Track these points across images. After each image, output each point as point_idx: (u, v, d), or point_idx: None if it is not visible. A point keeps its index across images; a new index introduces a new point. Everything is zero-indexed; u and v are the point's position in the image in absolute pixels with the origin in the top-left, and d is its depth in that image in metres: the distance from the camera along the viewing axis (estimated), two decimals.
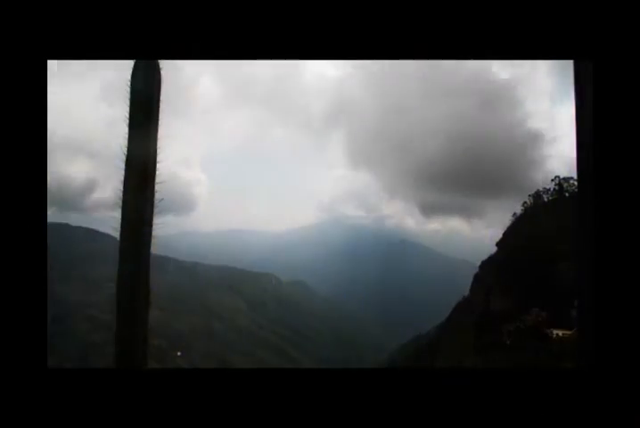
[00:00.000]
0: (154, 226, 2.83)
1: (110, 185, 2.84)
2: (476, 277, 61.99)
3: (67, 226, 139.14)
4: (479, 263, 65.34)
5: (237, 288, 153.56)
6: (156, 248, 2.84)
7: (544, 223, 50.99)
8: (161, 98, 2.80)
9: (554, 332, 32.11)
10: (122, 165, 2.75)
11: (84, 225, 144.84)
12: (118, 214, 2.73)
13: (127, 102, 2.74)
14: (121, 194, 2.75)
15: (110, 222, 2.74)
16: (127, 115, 2.73)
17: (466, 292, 65.57)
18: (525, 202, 65.29)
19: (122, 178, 2.75)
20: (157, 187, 2.84)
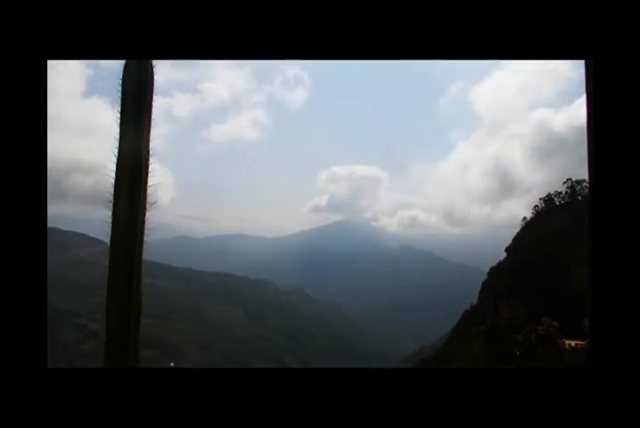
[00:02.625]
0: (146, 231, 2.82)
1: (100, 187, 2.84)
2: (484, 285, 61.90)
3: (56, 230, 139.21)
4: (487, 270, 65.26)
5: (233, 296, 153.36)
6: (148, 253, 2.83)
7: (556, 227, 51.02)
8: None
9: (567, 342, 31.92)
10: (113, 166, 2.75)
11: (74, 229, 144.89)
12: (108, 218, 2.73)
13: (119, 100, 2.74)
14: (112, 197, 2.74)
15: (101, 226, 2.74)
16: (118, 113, 2.73)
17: (474, 300, 65.48)
18: (536, 206, 65.18)
19: (112, 180, 2.75)
20: (149, 190, 2.83)
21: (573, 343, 31.47)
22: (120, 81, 2.73)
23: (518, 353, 33.73)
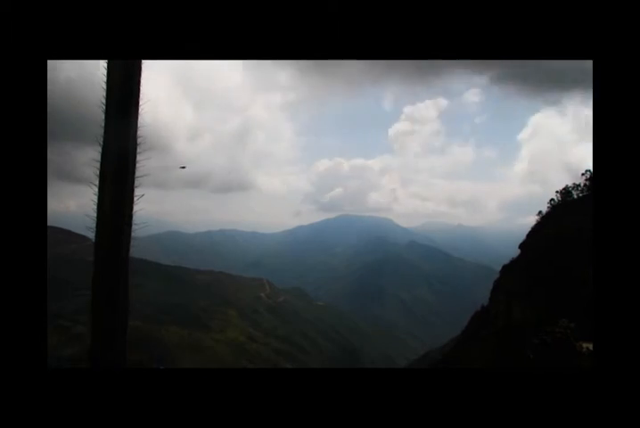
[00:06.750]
0: (134, 226, 2.82)
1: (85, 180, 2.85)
2: (496, 284, 61.93)
3: None
4: (499, 268, 65.30)
5: (227, 295, 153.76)
6: (136, 250, 2.83)
7: (573, 222, 50.97)
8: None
9: (584, 345, 31.81)
10: (98, 157, 2.75)
11: (56, 224, 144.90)
12: (93, 212, 2.73)
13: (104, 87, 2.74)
14: (97, 190, 2.74)
15: (84, 221, 2.74)
16: (104, 102, 2.73)
17: (485, 300, 65.60)
18: (552, 200, 64.88)
19: (97, 172, 2.75)
20: (137, 182, 2.83)
21: (591, 346, 31.49)
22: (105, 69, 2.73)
23: (532, 356, 33.70)
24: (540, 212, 65.15)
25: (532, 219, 65.87)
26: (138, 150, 2.83)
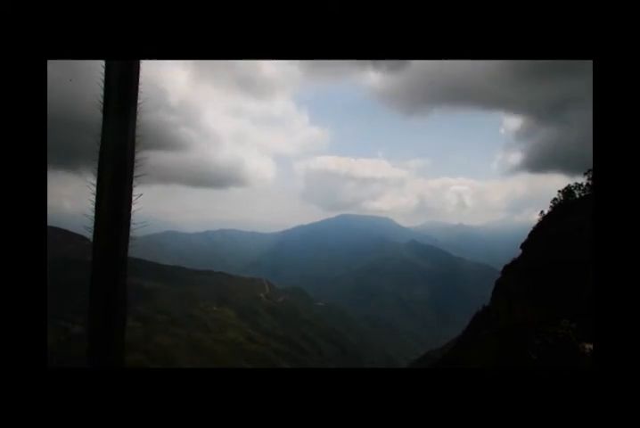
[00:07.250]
0: (132, 226, 2.83)
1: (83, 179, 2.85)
2: (498, 284, 61.81)
3: None
4: (500, 267, 65.23)
5: (226, 295, 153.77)
6: (135, 250, 2.83)
7: (575, 222, 50.93)
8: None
9: (587, 346, 31.77)
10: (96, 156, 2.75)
11: (54, 224, 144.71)
12: (91, 212, 2.73)
13: (102, 84, 2.74)
14: (95, 189, 2.74)
15: (82, 221, 2.74)
16: (101, 99, 2.73)
17: (486, 300, 65.55)
18: (555, 199, 64.73)
19: (95, 171, 2.75)
20: (135, 181, 2.83)
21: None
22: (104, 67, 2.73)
23: (534, 357, 33.65)
24: (542, 212, 65.03)
25: (534, 218, 65.73)
26: (136, 149, 2.84)
